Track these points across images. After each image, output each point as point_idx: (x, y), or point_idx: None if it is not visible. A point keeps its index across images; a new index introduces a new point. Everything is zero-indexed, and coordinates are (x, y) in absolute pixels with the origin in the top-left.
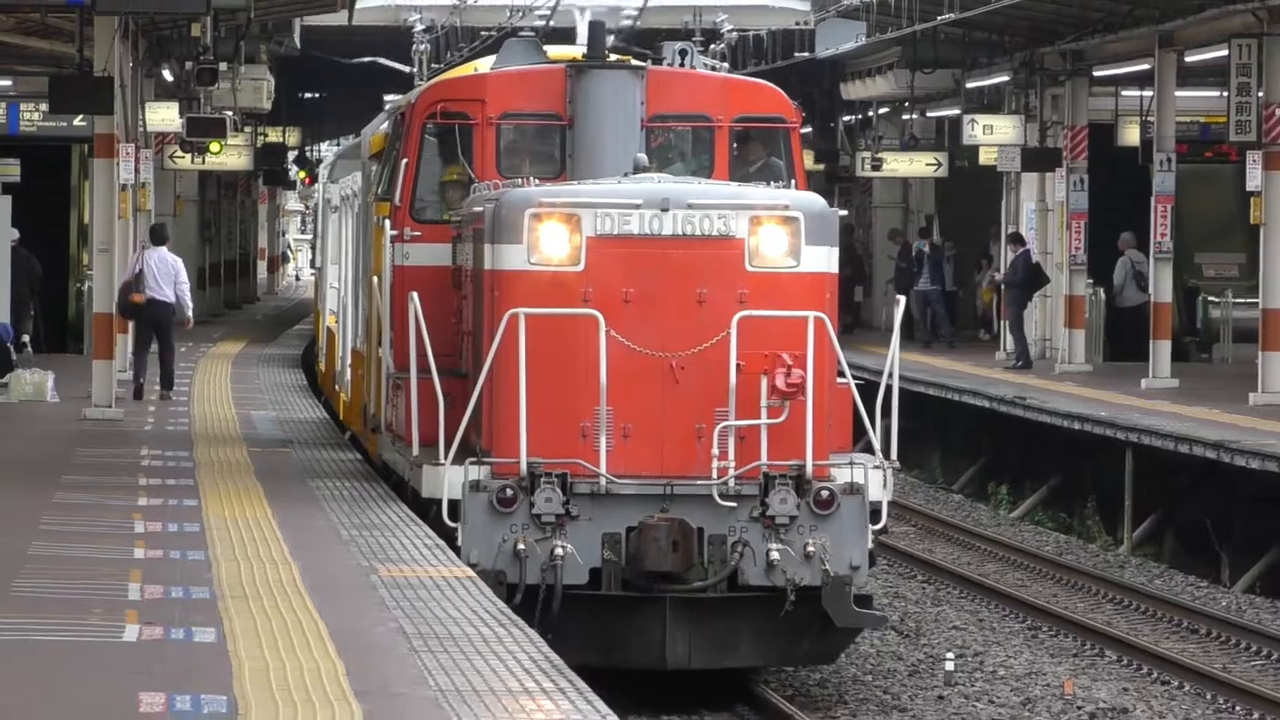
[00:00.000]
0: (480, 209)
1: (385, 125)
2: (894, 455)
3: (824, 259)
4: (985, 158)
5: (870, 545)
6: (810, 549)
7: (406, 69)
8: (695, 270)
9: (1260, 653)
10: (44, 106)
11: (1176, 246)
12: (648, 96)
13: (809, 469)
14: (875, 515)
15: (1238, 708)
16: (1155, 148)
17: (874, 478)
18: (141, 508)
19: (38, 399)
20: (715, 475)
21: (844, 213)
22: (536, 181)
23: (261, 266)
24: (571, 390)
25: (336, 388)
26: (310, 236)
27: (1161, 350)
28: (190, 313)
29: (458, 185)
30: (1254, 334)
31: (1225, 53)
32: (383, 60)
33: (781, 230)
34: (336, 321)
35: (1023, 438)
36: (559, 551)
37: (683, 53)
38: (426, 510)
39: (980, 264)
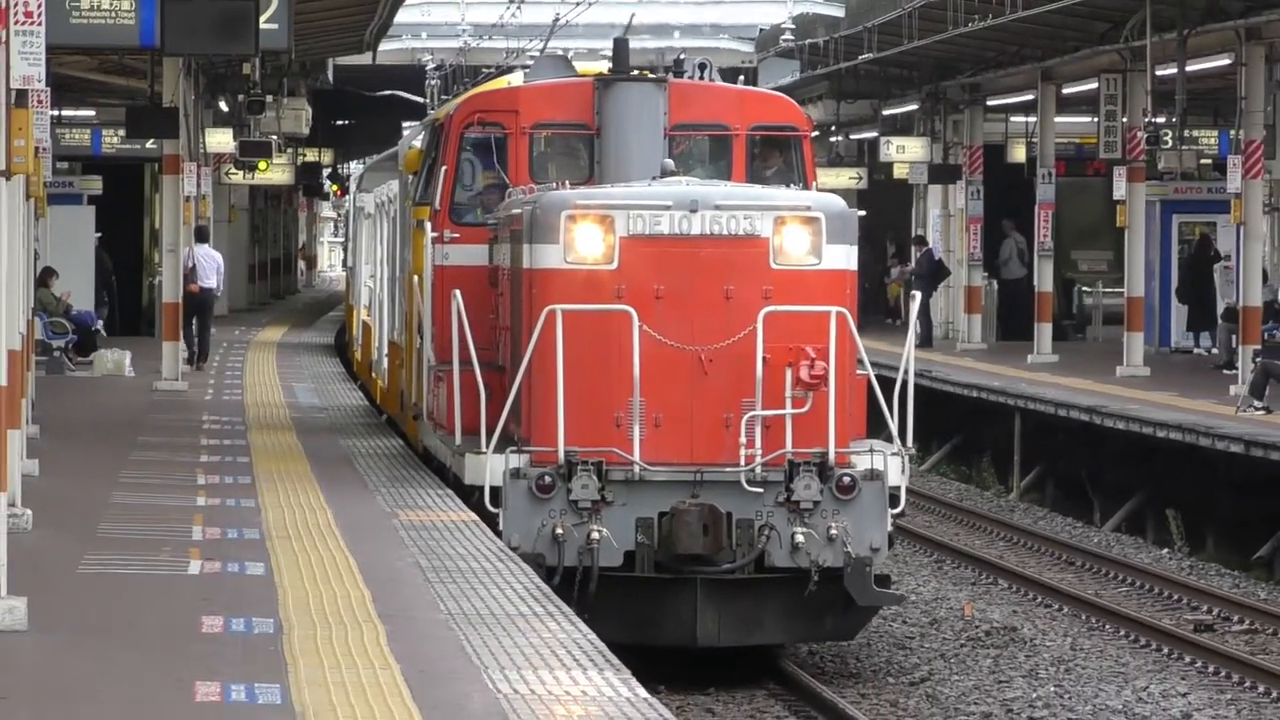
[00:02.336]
0: (518, 211)
1: (420, 138)
2: (910, 442)
3: (844, 257)
4: (898, 172)
5: (889, 528)
6: (833, 532)
7: (420, 100)
8: (723, 268)
9: (1125, 580)
10: (121, 132)
11: (1056, 245)
12: (670, 107)
13: (831, 456)
14: (894, 500)
15: (1107, 626)
16: (1038, 164)
17: (893, 464)
18: (203, 464)
19: (117, 374)
20: (743, 462)
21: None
22: (569, 185)
23: (301, 264)
24: (606, 382)
25: (374, 375)
26: (342, 239)
27: (1044, 331)
28: (219, 294)
29: (493, 190)
30: (1120, 318)
31: (1096, 85)
32: (401, 93)
33: (804, 230)
34: (370, 315)
35: (929, 403)
36: (595, 535)
37: (702, 66)
38: (469, 496)
39: (890, 262)
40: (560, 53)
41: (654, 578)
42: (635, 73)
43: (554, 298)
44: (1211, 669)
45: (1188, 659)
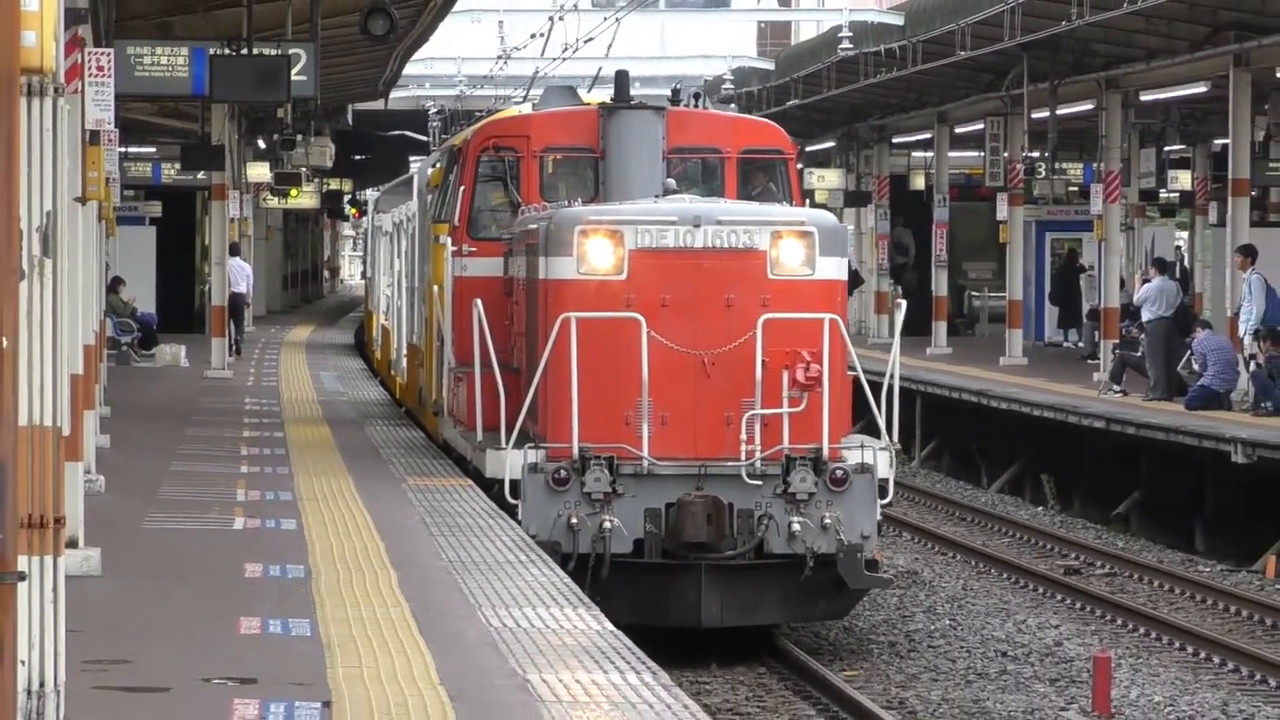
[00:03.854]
0: (534, 226)
1: (437, 163)
2: (895, 438)
3: (835, 268)
4: (819, 198)
5: (878, 517)
6: (826, 521)
7: (424, 138)
8: (724, 278)
9: (1007, 533)
10: (177, 165)
11: (950, 257)
12: (668, 132)
13: (825, 451)
14: (882, 491)
15: (992, 570)
16: (935, 190)
17: (881, 458)
18: (245, 438)
19: (174, 364)
20: (743, 457)
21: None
22: (581, 203)
23: (326, 274)
24: (616, 384)
25: (393, 373)
26: (360, 254)
27: (940, 328)
28: (250, 298)
29: (506, 208)
30: (1002, 317)
31: (982, 126)
32: (408, 133)
33: (799, 243)
34: (389, 320)
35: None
36: (607, 524)
37: (696, 96)
38: (489, 487)
39: None
40: (569, 85)
41: (661, 564)
42: (635, 101)
43: (568, 306)
44: (1079, 605)
45: (1059, 597)
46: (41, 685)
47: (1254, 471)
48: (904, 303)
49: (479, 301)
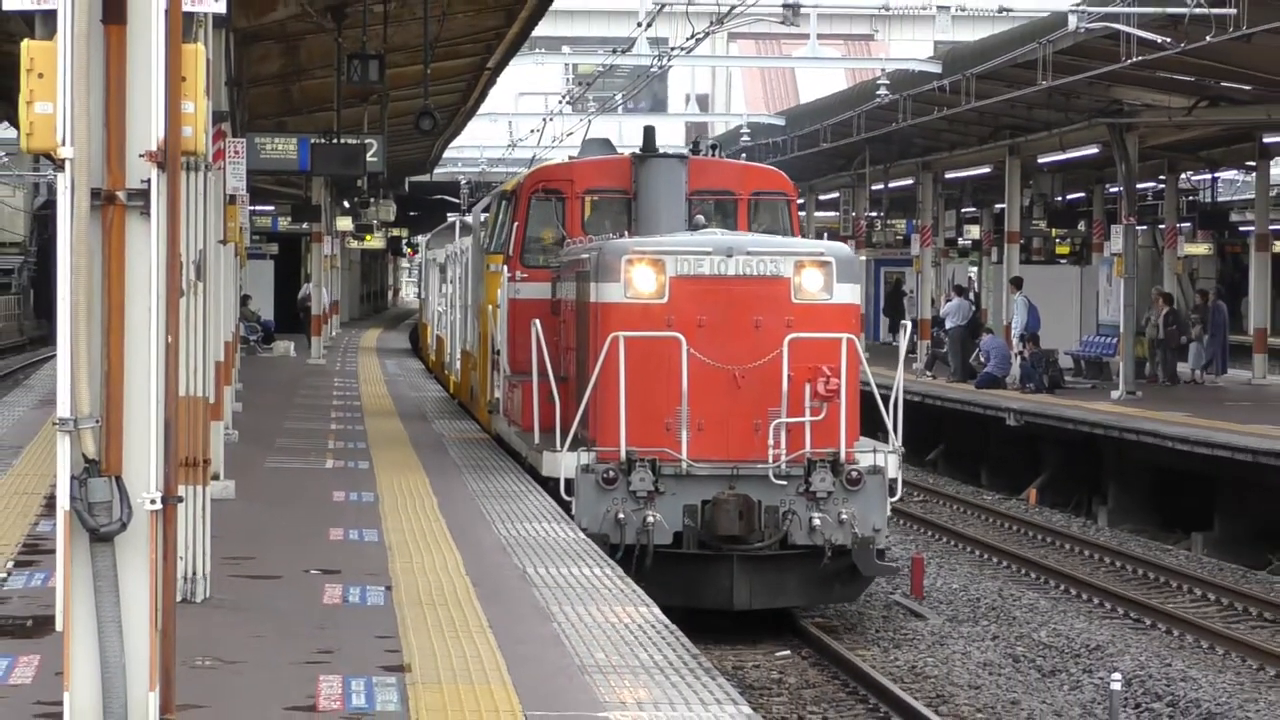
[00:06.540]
0: (585, 256)
1: (489, 206)
2: (899, 442)
3: (850, 293)
4: None
5: (888, 512)
6: (843, 516)
7: (457, 200)
8: (753, 302)
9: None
10: (288, 218)
11: None
12: (689, 177)
13: (842, 455)
14: (891, 489)
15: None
16: None
17: (891, 461)
18: (334, 406)
19: (286, 355)
20: (770, 460)
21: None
22: (626, 235)
23: (390, 294)
24: (659, 395)
25: (447, 372)
26: (415, 280)
27: None
28: (328, 312)
29: (553, 241)
30: None
31: (838, 195)
32: (446, 197)
33: (819, 272)
34: (442, 331)
35: None
36: (650, 519)
37: (714, 147)
38: (545, 484)
39: None
40: (604, 137)
41: (698, 554)
42: (662, 151)
43: (616, 326)
44: (901, 523)
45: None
46: (194, 574)
47: (1021, 431)
48: (909, 323)
49: (537, 322)
